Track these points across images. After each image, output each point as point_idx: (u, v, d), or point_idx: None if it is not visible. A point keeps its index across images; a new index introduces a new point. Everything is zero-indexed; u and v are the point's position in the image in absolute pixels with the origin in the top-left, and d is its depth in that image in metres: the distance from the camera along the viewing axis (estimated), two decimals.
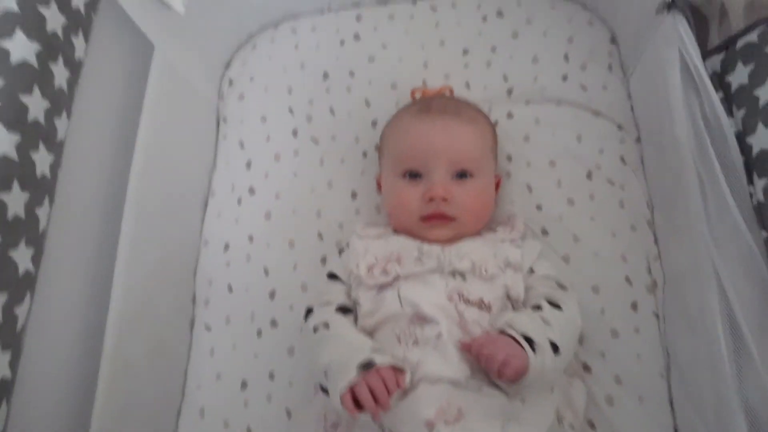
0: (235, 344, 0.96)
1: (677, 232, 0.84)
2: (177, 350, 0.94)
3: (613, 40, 1.07)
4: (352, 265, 0.83)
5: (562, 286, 0.83)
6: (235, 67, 1.15)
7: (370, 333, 0.79)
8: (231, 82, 1.13)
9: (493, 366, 0.68)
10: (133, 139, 0.87)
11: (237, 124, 1.10)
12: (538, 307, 0.78)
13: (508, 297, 0.80)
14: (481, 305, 0.77)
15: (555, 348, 0.72)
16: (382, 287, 0.80)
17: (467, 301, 0.76)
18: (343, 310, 0.82)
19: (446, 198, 0.82)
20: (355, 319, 0.82)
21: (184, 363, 0.96)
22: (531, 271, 0.83)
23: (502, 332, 0.73)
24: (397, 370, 0.70)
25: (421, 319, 0.76)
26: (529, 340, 0.71)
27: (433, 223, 0.84)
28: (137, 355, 0.83)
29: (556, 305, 0.78)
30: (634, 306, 0.90)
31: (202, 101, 1.08)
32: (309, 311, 0.85)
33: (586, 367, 0.87)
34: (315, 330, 0.79)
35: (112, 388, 0.78)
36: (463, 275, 0.79)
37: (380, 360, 0.70)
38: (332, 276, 0.87)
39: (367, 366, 0.69)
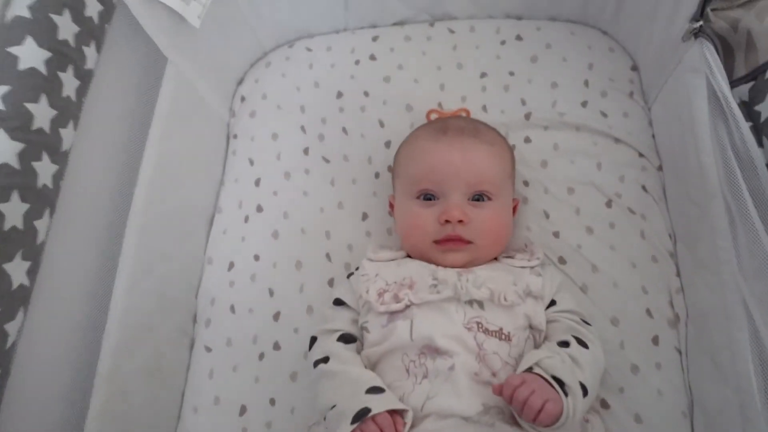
0: (235, 367, 0.92)
1: (703, 266, 0.81)
2: (174, 372, 0.90)
3: (634, 67, 1.05)
4: (362, 290, 0.79)
5: (586, 322, 0.79)
6: (247, 83, 1.13)
7: (375, 363, 0.75)
8: (243, 99, 1.12)
9: (531, 413, 0.64)
10: (141, 152, 0.84)
11: (247, 140, 1.08)
12: (564, 344, 0.74)
13: (530, 326, 0.76)
14: (501, 335, 0.73)
15: (584, 390, 0.69)
16: (393, 315, 0.76)
17: (486, 331, 0.72)
18: (346, 339, 0.79)
19: (463, 220, 0.79)
20: (362, 346, 0.79)
21: (182, 385, 0.92)
22: (552, 303, 0.79)
23: (531, 372, 0.69)
24: (396, 414, 0.67)
25: (433, 350, 0.72)
26: (560, 382, 0.67)
27: (449, 246, 0.81)
28: (133, 376, 0.80)
29: (582, 343, 0.74)
30: (655, 340, 0.86)
31: (213, 117, 1.06)
32: (313, 340, 0.81)
33: (604, 404, 0.82)
34: (315, 365, 0.76)
35: (105, 411, 0.74)
36: (481, 304, 0.75)
37: (377, 405, 0.66)
38: (339, 302, 0.84)
39: (362, 414, 0.65)
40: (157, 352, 0.85)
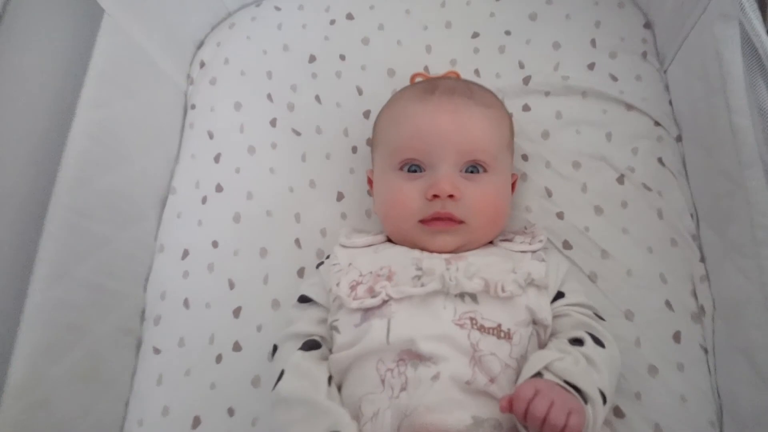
0: (188, 371, 0.79)
1: (735, 249, 0.68)
2: (116, 378, 0.77)
3: (648, 24, 0.93)
4: (332, 283, 0.66)
5: (600, 317, 0.67)
6: (208, 47, 1.00)
7: (345, 370, 0.63)
8: (203, 64, 0.98)
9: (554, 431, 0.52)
10: (71, 120, 0.71)
11: (207, 111, 0.94)
12: (577, 341, 0.61)
13: (534, 322, 0.64)
14: (500, 333, 0.60)
15: (603, 398, 0.57)
16: (368, 312, 0.63)
17: (482, 329, 0.60)
18: (310, 345, 0.66)
19: (454, 195, 0.66)
20: (330, 351, 0.67)
21: (125, 393, 0.78)
22: (560, 295, 0.67)
23: (541, 379, 0.57)
24: None
25: (414, 356, 0.59)
26: (575, 389, 0.56)
27: (438, 227, 0.68)
28: (60, 383, 0.66)
29: (598, 341, 0.62)
30: (677, 337, 0.74)
31: (167, 84, 0.93)
32: (275, 349, 0.69)
33: (618, 412, 0.70)
34: (274, 386, 0.64)
35: (19, 424, 0.61)
36: (474, 297, 0.62)
37: None
38: (304, 299, 0.71)
39: None
40: (93, 355, 0.72)
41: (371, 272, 0.65)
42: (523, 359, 0.61)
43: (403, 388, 0.58)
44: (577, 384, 0.55)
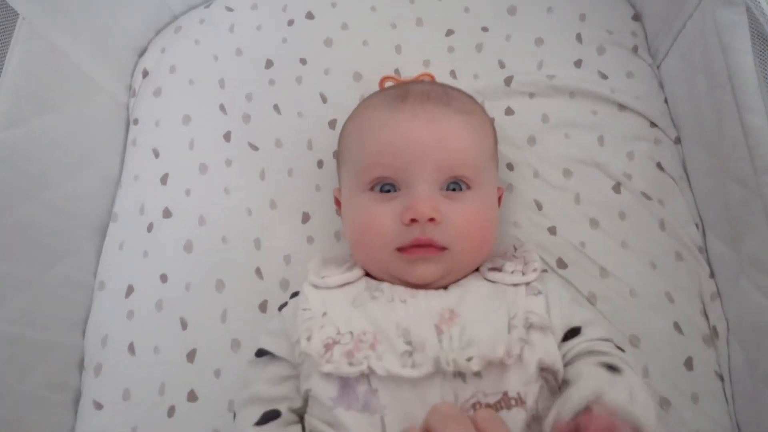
0: (135, 428, 0.68)
1: (751, 264, 0.61)
2: None
3: (637, 16, 0.85)
4: (301, 335, 0.55)
5: (620, 349, 0.57)
6: (151, 54, 0.89)
7: None
8: (146, 73, 0.87)
9: None
10: None
11: (151, 126, 0.84)
12: (613, 369, 0.52)
13: (541, 370, 0.54)
14: (509, 402, 0.51)
15: None
16: (346, 386, 0.52)
17: (489, 407, 0.50)
18: (268, 416, 0.56)
19: (434, 218, 0.57)
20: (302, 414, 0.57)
21: None
22: (575, 331, 0.57)
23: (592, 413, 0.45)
24: None
25: None
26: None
27: (417, 254, 0.58)
28: None
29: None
30: (689, 364, 0.67)
31: (101, 96, 0.82)
32: (234, 415, 0.59)
33: None
34: None
35: None
36: (478, 373, 0.52)
37: None
38: (262, 353, 0.61)
39: None
40: (12, 421, 0.61)
41: (351, 333, 0.54)
42: (534, 420, 0.51)
43: None
44: (639, 423, 0.44)
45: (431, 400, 0.49)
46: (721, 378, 0.66)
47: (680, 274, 0.70)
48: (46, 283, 0.67)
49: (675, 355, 0.67)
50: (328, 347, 0.53)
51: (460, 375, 0.51)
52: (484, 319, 0.54)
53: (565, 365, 0.55)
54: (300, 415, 0.57)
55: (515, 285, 0.58)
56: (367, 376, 0.52)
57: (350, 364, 0.51)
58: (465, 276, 0.61)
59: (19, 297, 0.62)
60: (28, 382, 0.63)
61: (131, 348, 0.72)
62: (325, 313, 0.56)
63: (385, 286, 0.59)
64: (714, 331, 0.67)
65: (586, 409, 0.46)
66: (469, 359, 0.50)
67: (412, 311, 0.55)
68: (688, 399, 0.65)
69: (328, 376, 0.52)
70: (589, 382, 0.49)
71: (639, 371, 0.59)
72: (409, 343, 0.52)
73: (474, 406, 0.50)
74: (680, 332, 0.68)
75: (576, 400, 0.46)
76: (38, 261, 0.66)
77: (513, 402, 0.50)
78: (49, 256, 0.68)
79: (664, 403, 0.65)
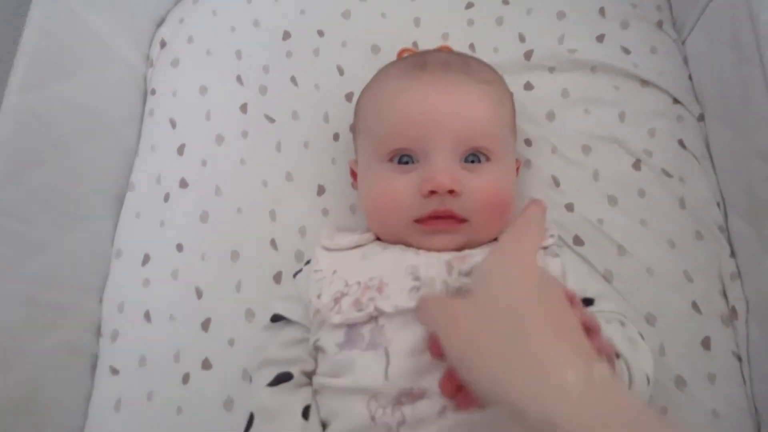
0: (151, 394, 0.69)
1: None
2: (62, 405, 0.66)
3: None
4: (312, 294, 0.56)
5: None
6: (169, 24, 0.89)
7: (329, 398, 0.54)
8: (164, 44, 0.87)
9: None
10: None
11: (168, 97, 0.83)
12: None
13: None
14: None
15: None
16: (353, 330, 0.53)
17: None
18: (280, 378, 0.56)
19: (454, 190, 0.56)
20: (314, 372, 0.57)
21: (76, 421, 0.68)
22: (587, 302, 0.57)
23: None
24: None
25: (416, 396, 0.49)
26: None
27: (436, 227, 0.58)
28: None
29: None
30: (706, 343, 0.66)
31: (121, 66, 0.82)
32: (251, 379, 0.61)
33: None
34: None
35: None
36: None
37: None
38: (277, 318, 0.61)
39: None
40: (31, 382, 0.62)
41: (359, 282, 0.55)
42: None
43: (401, 423, 0.48)
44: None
45: None
46: (739, 359, 0.65)
47: (699, 254, 0.69)
48: (64, 248, 0.68)
49: (692, 334, 0.66)
50: (336, 300, 0.54)
51: None
52: None
53: None
54: (311, 378, 0.58)
55: None
56: (375, 317, 0.52)
57: (358, 310, 0.52)
58: (480, 246, 0.60)
59: (36, 259, 0.63)
60: (45, 344, 0.64)
61: (147, 315, 0.73)
62: (335, 271, 0.57)
63: (398, 246, 0.59)
64: (733, 311, 0.66)
65: None
66: None
67: (423, 258, 0.56)
68: (705, 379, 0.64)
69: (336, 325, 0.53)
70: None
71: (652, 348, 0.59)
72: (417, 279, 0.53)
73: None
74: (698, 311, 0.67)
75: None
76: (56, 225, 0.67)
77: None
78: (67, 221, 0.69)
79: (679, 383, 0.64)
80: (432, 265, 0.54)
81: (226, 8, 0.88)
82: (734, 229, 0.69)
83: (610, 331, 0.51)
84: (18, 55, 0.63)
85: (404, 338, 0.51)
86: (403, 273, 0.54)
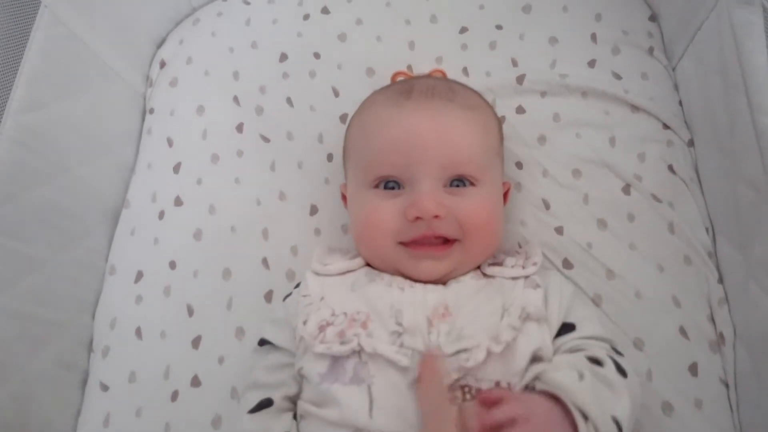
0: (140, 410, 0.70)
1: (761, 269, 0.60)
2: (53, 422, 0.67)
3: (653, 17, 0.84)
4: (299, 320, 0.57)
5: (618, 352, 0.57)
6: (169, 45, 0.91)
7: (312, 424, 0.54)
8: (163, 64, 0.89)
9: None
10: None
11: (166, 116, 0.85)
12: (596, 362, 0.53)
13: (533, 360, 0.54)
14: None
15: (618, 429, 0.48)
16: (336, 363, 0.54)
17: (478, 393, 0.50)
18: (263, 404, 0.58)
19: (439, 215, 0.57)
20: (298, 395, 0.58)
21: None
22: (569, 327, 0.57)
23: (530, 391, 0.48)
24: None
25: None
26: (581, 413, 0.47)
27: (423, 250, 0.59)
28: None
29: (621, 369, 0.53)
30: (693, 369, 0.66)
31: (118, 85, 0.83)
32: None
33: None
34: None
35: None
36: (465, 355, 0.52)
37: None
38: (264, 342, 0.62)
39: None
40: (22, 397, 0.62)
41: (345, 313, 0.56)
42: None
43: None
44: (580, 405, 0.46)
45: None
46: (726, 385, 0.65)
47: (688, 278, 0.69)
48: (59, 265, 0.69)
49: (680, 359, 0.66)
50: (321, 328, 0.54)
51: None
52: (476, 318, 0.54)
53: None
54: (295, 402, 0.58)
55: (514, 279, 0.58)
56: (358, 352, 0.52)
57: (342, 342, 0.52)
58: (466, 273, 0.61)
59: (32, 276, 0.64)
60: (38, 360, 0.65)
61: (138, 332, 0.73)
62: (322, 298, 0.58)
63: (386, 274, 0.60)
64: (721, 337, 0.66)
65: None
66: (457, 353, 0.51)
67: (408, 297, 0.56)
68: (692, 404, 0.64)
69: (320, 355, 0.53)
70: (540, 364, 0.52)
71: (638, 372, 0.58)
72: (399, 324, 0.53)
73: (463, 388, 0.50)
74: (686, 337, 0.67)
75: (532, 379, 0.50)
76: (52, 242, 0.68)
77: None
78: (63, 239, 0.70)
79: (666, 408, 0.64)
80: (415, 310, 0.55)
81: (225, 30, 0.90)
82: (722, 254, 0.69)
83: (573, 381, 0.50)
84: (18, 75, 0.64)
85: (388, 378, 0.51)
86: (387, 314, 0.54)
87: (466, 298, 0.57)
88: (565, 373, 0.50)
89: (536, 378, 0.51)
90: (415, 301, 0.56)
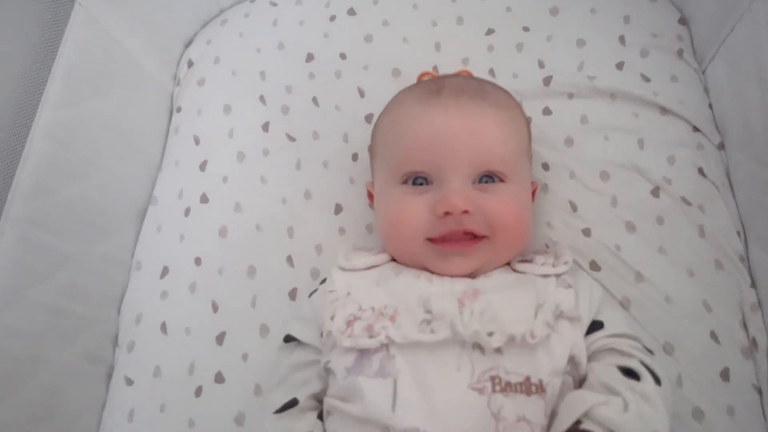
0: (164, 405, 0.70)
1: None
2: (79, 414, 0.68)
3: (683, 20, 0.83)
4: (326, 316, 0.57)
5: (649, 351, 0.56)
6: (197, 45, 0.92)
7: (338, 420, 0.54)
8: (191, 64, 0.90)
9: None
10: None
11: (193, 114, 0.86)
12: (630, 373, 0.51)
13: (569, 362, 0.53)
14: (530, 388, 0.50)
15: None
16: (363, 356, 0.53)
17: (507, 388, 0.50)
18: (288, 404, 0.58)
19: (468, 210, 0.56)
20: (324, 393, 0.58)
21: (92, 431, 0.69)
22: (598, 325, 0.57)
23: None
24: None
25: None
26: None
27: (451, 247, 0.58)
28: (7, 429, 0.57)
29: (655, 376, 0.52)
30: (725, 374, 0.64)
31: (151, 84, 0.85)
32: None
33: None
34: None
35: None
36: (499, 349, 0.52)
37: None
38: (290, 339, 0.62)
39: None
40: (50, 389, 0.63)
41: (373, 308, 0.55)
42: (555, 416, 0.50)
43: None
44: None
45: (447, 368, 0.50)
46: (760, 392, 0.63)
47: (719, 283, 0.68)
48: (89, 260, 0.70)
49: (711, 365, 0.65)
50: (349, 323, 0.54)
51: (479, 347, 0.51)
52: (509, 303, 0.54)
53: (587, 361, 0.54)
54: (320, 401, 0.58)
55: (545, 276, 0.58)
56: (386, 345, 0.52)
57: (370, 336, 0.52)
58: (494, 269, 0.60)
59: (63, 271, 0.65)
60: (67, 353, 0.66)
61: (163, 327, 0.74)
62: (349, 293, 0.57)
63: (413, 269, 0.60)
64: (753, 342, 0.65)
65: (575, 425, 0.47)
66: (490, 334, 0.50)
67: (436, 287, 0.56)
68: (724, 411, 0.63)
69: (347, 349, 0.53)
70: (584, 394, 0.50)
71: (668, 378, 0.57)
72: (429, 312, 0.53)
73: (493, 379, 0.50)
74: (717, 342, 0.66)
75: (568, 413, 0.48)
76: (84, 238, 0.69)
77: (534, 389, 0.50)
78: (94, 235, 0.71)
79: (697, 414, 0.63)
80: (445, 296, 0.54)
81: (253, 31, 0.91)
82: (755, 259, 0.68)
83: (618, 413, 0.47)
84: (53, 73, 0.65)
85: (414, 371, 0.51)
86: (415, 304, 0.54)
87: (497, 289, 0.56)
88: (611, 408, 0.48)
89: (585, 414, 0.48)
90: (443, 288, 0.56)
